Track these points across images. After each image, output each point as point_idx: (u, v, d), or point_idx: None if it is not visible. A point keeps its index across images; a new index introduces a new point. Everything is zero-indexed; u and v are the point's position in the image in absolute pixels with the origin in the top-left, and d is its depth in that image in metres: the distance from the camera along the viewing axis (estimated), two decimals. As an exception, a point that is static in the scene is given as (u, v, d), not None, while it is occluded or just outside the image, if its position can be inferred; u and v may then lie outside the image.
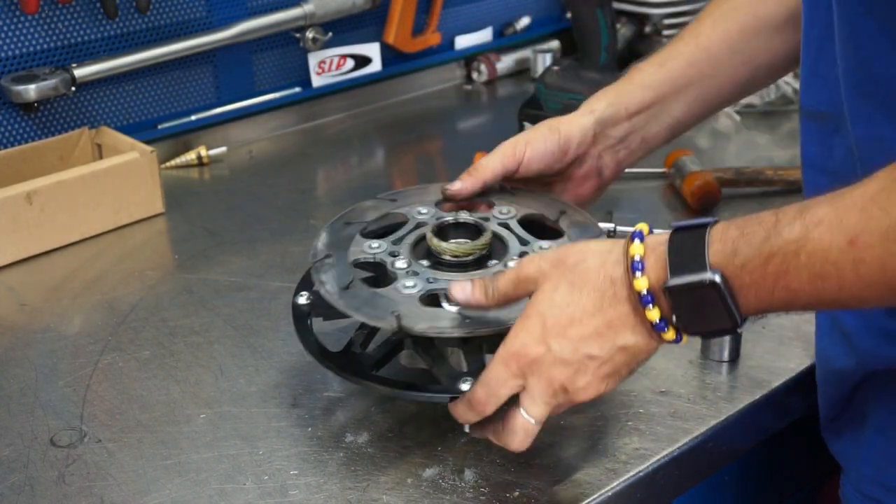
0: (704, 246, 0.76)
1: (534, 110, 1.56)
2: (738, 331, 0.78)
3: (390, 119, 1.74)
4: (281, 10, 1.62)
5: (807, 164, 0.94)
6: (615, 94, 1.08)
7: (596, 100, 1.08)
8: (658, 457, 0.94)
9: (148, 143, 1.43)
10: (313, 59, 1.71)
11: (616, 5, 1.76)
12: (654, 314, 0.78)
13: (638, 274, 0.78)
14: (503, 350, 0.83)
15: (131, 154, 1.38)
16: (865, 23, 0.80)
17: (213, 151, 1.57)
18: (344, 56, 1.73)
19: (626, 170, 1.48)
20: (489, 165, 1.04)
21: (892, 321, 0.87)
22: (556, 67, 1.59)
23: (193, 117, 1.61)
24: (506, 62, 1.88)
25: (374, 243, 1.00)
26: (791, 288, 0.74)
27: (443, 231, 1.00)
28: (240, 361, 1.08)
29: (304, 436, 0.97)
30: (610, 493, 0.91)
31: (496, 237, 1.00)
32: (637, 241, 0.79)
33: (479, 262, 0.97)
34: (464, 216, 1.01)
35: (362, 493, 0.90)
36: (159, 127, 1.58)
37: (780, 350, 1.08)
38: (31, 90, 1.40)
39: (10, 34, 1.41)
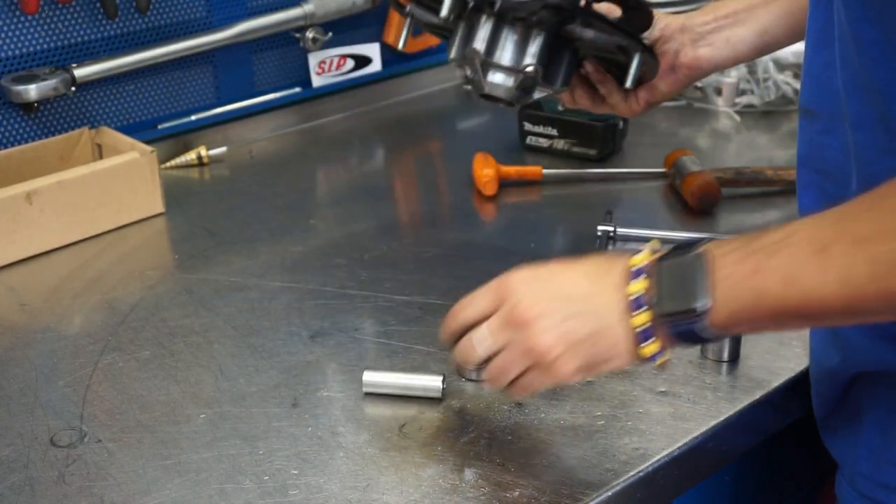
0: (704, 276, 0.79)
1: (533, 110, 1.56)
2: (698, 331, 0.79)
3: (390, 119, 1.74)
4: (281, 10, 1.62)
5: (800, 160, 0.95)
6: (714, 5, 1.16)
7: (696, 10, 1.17)
8: (658, 457, 0.94)
9: (148, 143, 1.43)
10: (313, 59, 1.71)
11: (616, 5, 1.76)
12: (651, 347, 0.81)
13: (639, 311, 0.81)
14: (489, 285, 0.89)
15: (131, 154, 1.38)
16: (868, 29, 0.80)
17: (213, 151, 1.57)
18: (344, 56, 1.73)
19: (627, 170, 1.50)
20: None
21: (883, 322, 0.88)
22: (556, 67, 1.58)
23: (193, 117, 1.61)
24: (506, 62, 1.88)
25: None
26: (761, 289, 0.76)
27: None
28: (240, 361, 1.08)
29: (304, 436, 0.97)
30: (610, 493, 0.91)
31: None
32: (641, 279, 0.82)
33: None
34: None
35: (362, 493, 0.90)
36: (159, 127, 1.58)
37: (780, 350, 1.08)
38: (31, 90, 1.40)
39: (10, 34, 1.41)
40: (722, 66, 1.17)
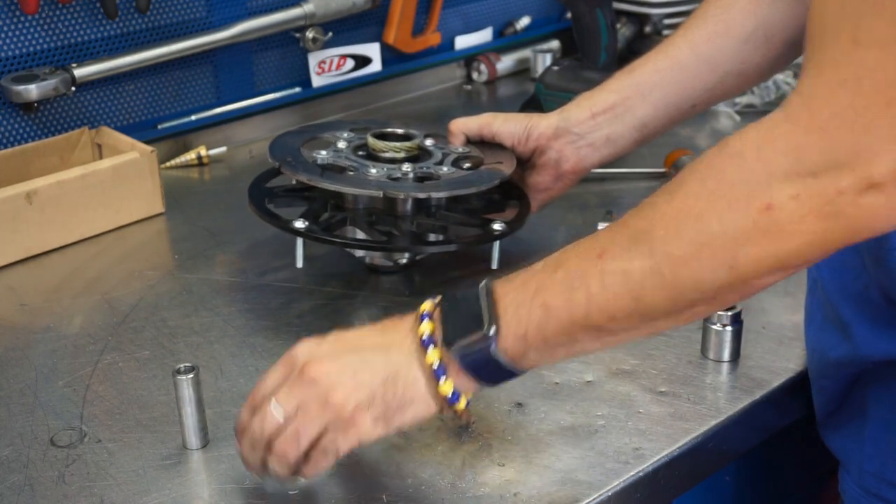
0: (486, 305, 0.80)
1: (535, 110, 1.56)
2: (492, 356, 0.79)
3: (391, 119, 1.74)
4: (281, 10, 1.62)
5: None
6: (587, 97, 1.17)
7: (572, 103, 1.19)
8: (658, 457, 0.94)
9: (148, 143, 1.43)
10: (313, 59, 1.71)
11: (616, 5, 1.76)
12: (447, 387, 0.80)
13: (430, 349, 0.80)
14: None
15: (131, 154, 1.38)
16: None
17: (213, 151, 1.57)
18: (344, 56, 1.73)
19: (627, 170, 1.50)
20: (467, 123, 1.24)
21: (891, 309, 0.87)
22: (555, 67, 1.59)
23: (193, 117, 1.61)
24: (506, 62, 1.88)
25: (322, 151, 1.21)
26: (547, 304, 0.76)
27: (381, 136, 1.23)
28: (240, 361, 1.08)
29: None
30: (610, 493, 0.91)
31: (422, 148, 1.24)
32: (426, 320, 0.82)
33: (409, 160, 1.20)
34: (399, 129, 1.25)
35: (362, 493, 0.90)
36: (159, 127, 1.58)
37: (780, 350, 1.08)
38: (31, 90, 1.40)
39: (10, 34, 1.41)
40: (605, 162, 1.20)
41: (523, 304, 0.78)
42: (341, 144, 1.24)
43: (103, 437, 0.98)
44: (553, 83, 1.56)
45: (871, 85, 0.64)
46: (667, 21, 1.83)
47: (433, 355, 0.80)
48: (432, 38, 1.81)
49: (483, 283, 0.81)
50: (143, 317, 1.17)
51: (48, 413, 1.01)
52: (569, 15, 1.73)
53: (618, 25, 1.77)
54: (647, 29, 1.85)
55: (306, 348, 0.84)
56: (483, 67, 1.86)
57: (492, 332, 0.78)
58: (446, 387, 0.80)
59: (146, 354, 1.10)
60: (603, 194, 1.45)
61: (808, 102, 0.67)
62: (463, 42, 1.88)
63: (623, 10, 1.84)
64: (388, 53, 1.78)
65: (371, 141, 1.22)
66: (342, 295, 1.20)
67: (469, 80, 1.88)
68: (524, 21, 1.93)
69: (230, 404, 1.02)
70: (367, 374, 0.81)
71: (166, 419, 0.99)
